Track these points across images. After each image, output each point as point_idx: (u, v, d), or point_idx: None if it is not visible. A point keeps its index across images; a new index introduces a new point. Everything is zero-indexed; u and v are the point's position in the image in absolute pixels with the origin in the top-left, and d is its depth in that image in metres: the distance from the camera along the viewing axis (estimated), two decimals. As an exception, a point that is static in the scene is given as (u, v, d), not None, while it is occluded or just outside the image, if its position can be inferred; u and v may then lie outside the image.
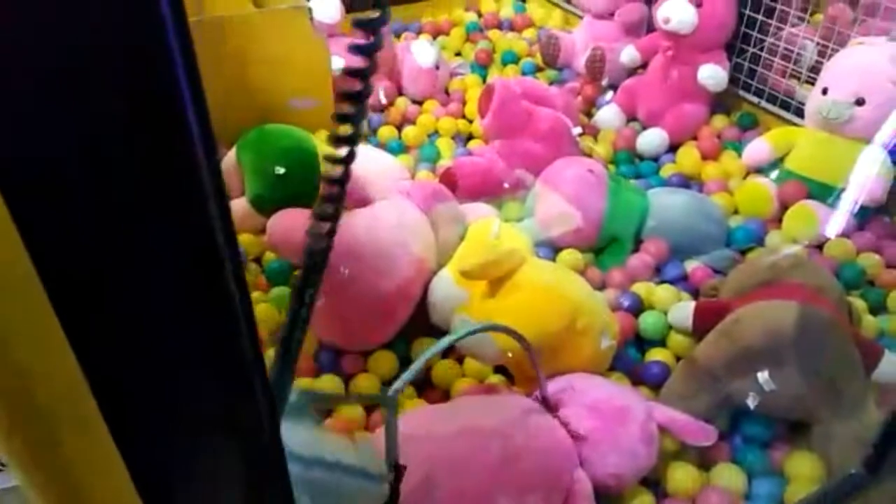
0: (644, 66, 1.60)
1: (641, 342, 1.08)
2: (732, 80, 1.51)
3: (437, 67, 1.65)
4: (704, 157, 1.45)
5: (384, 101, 1.62)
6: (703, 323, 0.99)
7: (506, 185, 1.31)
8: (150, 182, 0.25)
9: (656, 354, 1.04)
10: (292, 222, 1.03)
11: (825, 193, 1.26)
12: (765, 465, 0.91)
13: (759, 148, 1.37)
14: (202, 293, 0.29)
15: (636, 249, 1.21)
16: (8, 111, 0.23)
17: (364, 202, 1.11)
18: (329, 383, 1.00)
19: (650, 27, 1.63)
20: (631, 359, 1.04)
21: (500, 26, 1.95)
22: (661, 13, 1.45)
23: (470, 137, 1.57)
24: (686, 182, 1.39)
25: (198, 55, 0.24)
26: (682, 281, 1.16)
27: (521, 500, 0.77)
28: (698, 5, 1.43)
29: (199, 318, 0.29)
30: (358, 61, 0.34)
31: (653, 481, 0.88)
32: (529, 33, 1.90)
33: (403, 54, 1.67)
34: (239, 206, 1.23)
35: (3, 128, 0.23)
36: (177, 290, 0.28)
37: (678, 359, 1.03)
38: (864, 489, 0.68)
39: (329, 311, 1.01)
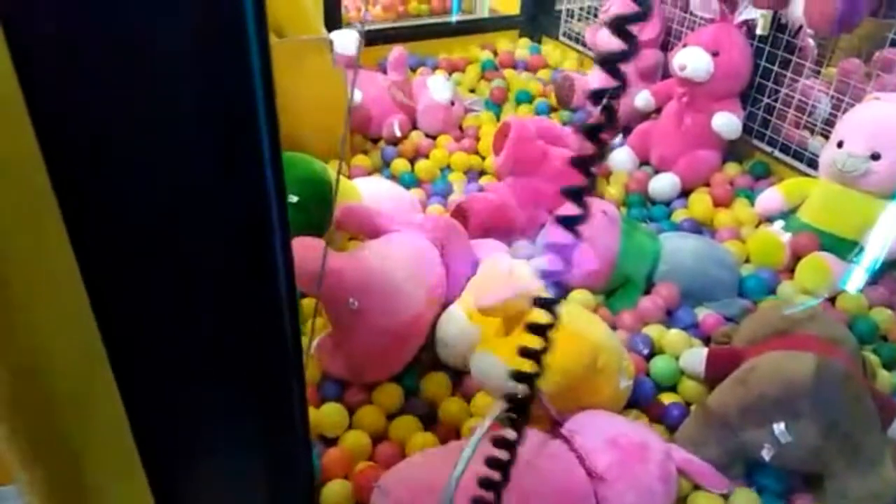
0: (658, 110, 1.61)
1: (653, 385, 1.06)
2: (746, 129, 1.52)
3: (452, 103, 1.67)
4: (716, 204, 1.45)
5: (398, 133, 1.62)
6: (716, 370, 0.98)
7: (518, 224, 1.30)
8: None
9: (667, 399, 1.03)
10: (304, 251, 1.02)
11: (837, 246, 1.25)
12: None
13: (771, 197, 1.37)
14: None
15: (647, 292, 1.20)
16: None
17: (376, 233, 1.11)
18: (332, 415, 0.97)
19: (665, 73, 1.65)
20: (648, 394, 1.02)
21: (514, 66, 1.97)
22: (677, 60, 1.47)
23: (482, 173, 1.57)
24: (698, 228, 1.39)
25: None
26: (693, 328, 1.15)
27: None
28: (714, 54, 1.45)
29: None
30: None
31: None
32: (544, 74, 1.92)
33: (419, 89, 1.68)
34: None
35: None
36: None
37: (688, 404, 1.02)
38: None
39: (336, 344, 1.00)
